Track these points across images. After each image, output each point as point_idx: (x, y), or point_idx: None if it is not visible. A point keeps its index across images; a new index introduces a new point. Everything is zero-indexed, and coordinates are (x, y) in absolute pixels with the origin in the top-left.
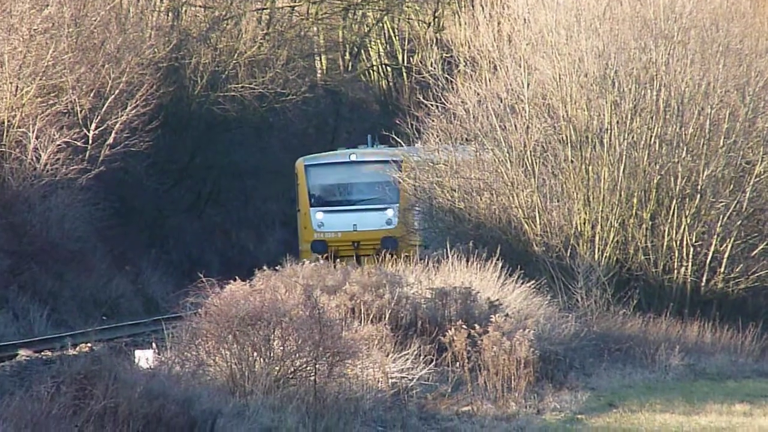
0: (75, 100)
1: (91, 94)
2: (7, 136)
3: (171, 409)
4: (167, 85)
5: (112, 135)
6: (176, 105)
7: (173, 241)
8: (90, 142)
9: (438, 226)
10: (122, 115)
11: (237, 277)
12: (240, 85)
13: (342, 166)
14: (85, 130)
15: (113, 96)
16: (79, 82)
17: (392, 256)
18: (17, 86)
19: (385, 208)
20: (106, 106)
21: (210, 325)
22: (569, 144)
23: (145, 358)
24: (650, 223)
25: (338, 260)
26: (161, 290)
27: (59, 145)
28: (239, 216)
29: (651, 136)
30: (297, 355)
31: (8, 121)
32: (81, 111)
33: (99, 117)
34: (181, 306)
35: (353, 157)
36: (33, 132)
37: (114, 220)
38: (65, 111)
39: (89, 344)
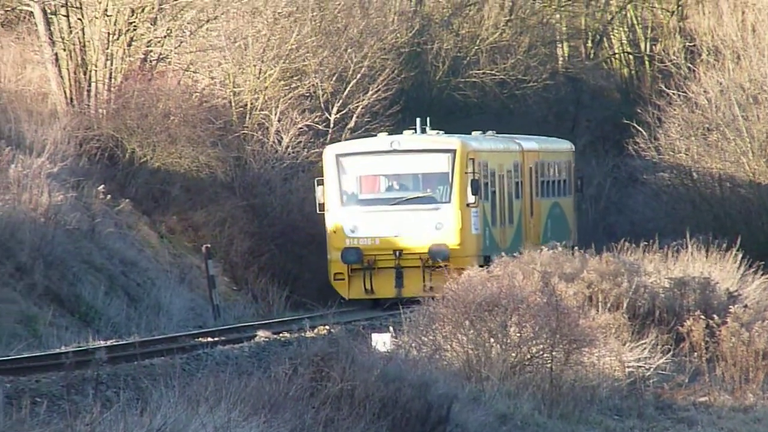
0: (317, 83)
1: (333, 78)
2: (249, 118)
3: (407, 393)
4: (408, 69)
5: (353, 119)
6: (417, 90)
7: None
8: (331, 125)
9: (677, 216)
10: (363, 99)
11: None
12: (481, 71)
13: (381, 156)
14: (326, 114)
15: (355, 80)
16: (322, 66)
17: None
18: (260, 69)
19: (436, 209)
20: (347, 90)
21: (447, 310)
22: None
23: (382, 341)
24: None
25: (372, 272)
26: None
27: (301, 128)
28: None
29: None
30: (534, 341)
31: (251, 104)
32: (323, 94)
33: (340, 101)
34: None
35: (395, 145)
36: (275, 115)
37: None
38: (307, 94)
39: (327, 327)
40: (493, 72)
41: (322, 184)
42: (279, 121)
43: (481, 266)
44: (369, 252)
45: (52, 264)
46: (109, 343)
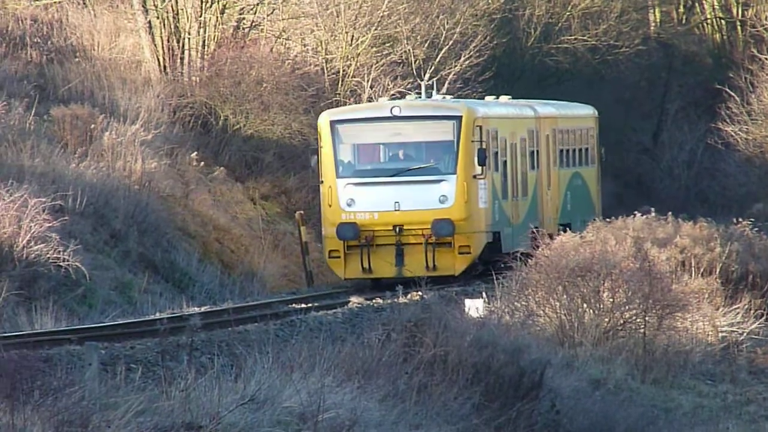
0: (409, 50)
1: (425, 45)
2: (342, 84)
3: (500, 359)
4: (500, 36)
5: (445, 85)
6: (509, 56)
7: None
8: (423, 92)
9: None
10: (455, 66)
11: (566, 228)
12: (573, 37)
13: (381, 123)
14: (418, 80)
15: (447, 46)
16: (414, 33)
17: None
18: (353, 36)
19: (439, 181)
20: (439, 56)
21: (540, 275)
22: None
23: (475, 307)
24: None
25: (370, 250)
26: None
27: (393, 94)
28: None
29: None
30: (626, 307)
31: (343, 71)
32: (415, 61)
33: (432, 67)
34: (512, 256)
35: (396, 111)
36: (367, 81)
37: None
38: (399, 61)
39: (420, 293)
40: (584, 38)
41: (317, 154)
42: (371, 87)
43: (489, 243)
44: (367, 227)
45: (147, 231)
46: (203, 309)
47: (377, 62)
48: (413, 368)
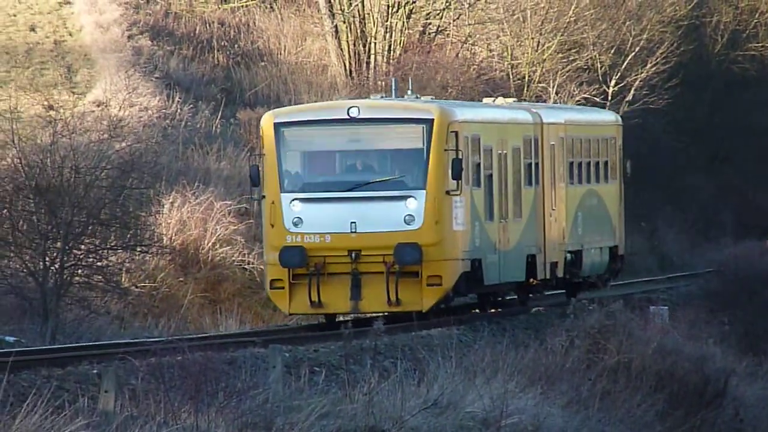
0: (595, 56)
1: (612, 51)
2: (527, 90)
3: (684, 367)
4: (687, 43)
5: (631, 92)
6: (695, 63)
7: (688, 199)
8: (609, 98)
9: None
10: (642, 72)
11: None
12: (760, 45)
13: (336, 127)
14: (604, 87)
15: (633, 53)
16: (600, 39)
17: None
18: (539, 42)
19: (405, 197)
20: (626, 63)
21: (725, 283)
22: None
23: (659, 314)
24: None
25: (321, 280)
26: (676, 247)
27: (578, 100)
28: (755, 176)
29: None
30: None
31: (529, 76)
32: (601, 67)
33: (618, 74)
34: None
35: (354, 113)
36: (553, 87)
37: (631, 176)
38: (585, 67)
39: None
40: None
41: (259, 162)
42: (557, 93)
43: (467, 272)
44: (316, 253)
45: None
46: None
47: (563, 68)
48: (596, 375)
